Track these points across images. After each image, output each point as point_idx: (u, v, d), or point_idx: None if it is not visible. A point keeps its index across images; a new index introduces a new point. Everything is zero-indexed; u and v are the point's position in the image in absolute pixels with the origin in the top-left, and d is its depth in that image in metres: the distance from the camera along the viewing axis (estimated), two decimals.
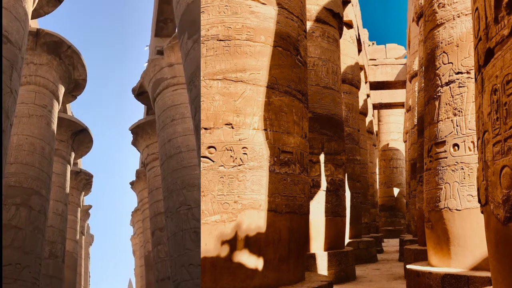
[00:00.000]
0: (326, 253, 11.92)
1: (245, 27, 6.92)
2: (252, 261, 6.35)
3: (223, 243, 6.30)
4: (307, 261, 11.25)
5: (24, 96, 13.26)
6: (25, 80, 13.48)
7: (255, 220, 6.44)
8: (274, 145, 6.76)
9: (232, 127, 6.57)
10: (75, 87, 15.60)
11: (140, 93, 16.95)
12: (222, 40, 6.84)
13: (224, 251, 6.28)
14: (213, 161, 6.46)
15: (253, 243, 6.38)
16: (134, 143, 18.80)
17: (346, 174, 15.01)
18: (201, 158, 6.52)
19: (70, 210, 19.43)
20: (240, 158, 6.50)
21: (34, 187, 12.26)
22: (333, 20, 14.09)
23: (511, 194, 2.88)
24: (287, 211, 6.74)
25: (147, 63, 15.37)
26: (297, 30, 7.50)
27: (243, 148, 6.54)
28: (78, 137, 17.92)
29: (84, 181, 21.56)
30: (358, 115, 19.83)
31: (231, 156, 6.48)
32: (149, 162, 18.09)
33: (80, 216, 22.00)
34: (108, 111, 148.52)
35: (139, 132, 18.33)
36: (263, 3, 7.12)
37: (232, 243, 6.31)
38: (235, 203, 6.38)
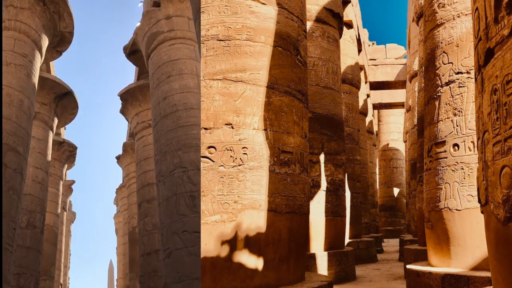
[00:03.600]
0: (326, 253, 11.91)
1: (245, 27, 6.92)
2: (252, 261, 6.35)
3: (223, 243, 6.30)
4: (307, 261, 11.24)
5: (2, 42, 11.97)
6: (3, 25, 12.26)
7: (255, 220, 6.43)
8: (274, 145, 6.75)
9: (232, 127, 6.57)
10: (60, 40, 14.54)
11: (132, 52, 15.69)
12: (222, 40, 6.84)
13: (224, 251, 6.28)
14: (213, 161, 6.46)
15: (253, 243, 6.38)
16: (123, 111, 17.63)
17: (346, 174, 14.99)
18: (201, 158, 6.53)
19: (52, 183, 18.55)
20: (240, 158, 6.50)
21: (10, 142, 11.16)
22: (333, 20, 14.07)
23: (511, 194, 2.88)
24: (287, 211, 6.74)
25: (141, 19, 14.06)
26: (297, 30, 7.49)
27: (243, 148, 6.54)
28: (62, 101, 16.94)
29: (67, 152, 20.60)
30: (358, 115, 19.82)
31: (231, 156, 6.49)
32: (139, 131, 17.10)
33: (62, 191, 21.22)
34: (94, 75, 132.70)
35: (128, 98, 17.22)
36: (263, 3, 7.11)
37: (232, 243, 6.31)
38: (235, 203, 6.38)
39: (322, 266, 11.65)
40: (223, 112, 6.59)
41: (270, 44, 7.02)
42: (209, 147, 6.51)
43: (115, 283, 31.93)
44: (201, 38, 6.94)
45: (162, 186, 11.36)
